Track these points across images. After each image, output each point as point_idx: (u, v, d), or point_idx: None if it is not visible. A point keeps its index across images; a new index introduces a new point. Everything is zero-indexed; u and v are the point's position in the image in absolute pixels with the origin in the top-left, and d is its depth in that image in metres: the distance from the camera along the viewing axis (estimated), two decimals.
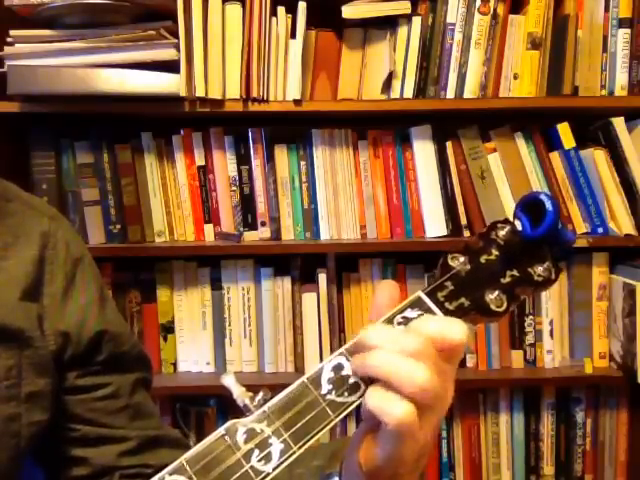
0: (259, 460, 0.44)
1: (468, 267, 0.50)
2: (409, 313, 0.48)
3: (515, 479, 1.47)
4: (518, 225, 0.51)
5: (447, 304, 0.48)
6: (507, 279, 0.50)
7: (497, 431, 1.47)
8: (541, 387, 1.46)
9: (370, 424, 0.47)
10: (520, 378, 1.43)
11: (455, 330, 0.45)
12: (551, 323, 1.42)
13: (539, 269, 0.51)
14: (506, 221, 0.52)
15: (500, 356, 1.44)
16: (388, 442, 0.45)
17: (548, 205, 0.49)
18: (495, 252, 0.51)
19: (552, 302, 1.42)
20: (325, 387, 0.46)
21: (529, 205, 0.51)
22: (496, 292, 0.49)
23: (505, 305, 0.49)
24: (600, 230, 1.37)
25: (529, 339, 1.43)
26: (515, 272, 0.50)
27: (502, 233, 0.51)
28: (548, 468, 1.47)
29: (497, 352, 1.43)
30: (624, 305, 1.38)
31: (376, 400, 0.44)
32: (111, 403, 0.65)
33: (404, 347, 0.44)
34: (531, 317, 1.43)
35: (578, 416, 1.47)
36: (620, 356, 1.40)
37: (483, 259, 0.51)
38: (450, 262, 0.50)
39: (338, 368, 0.47)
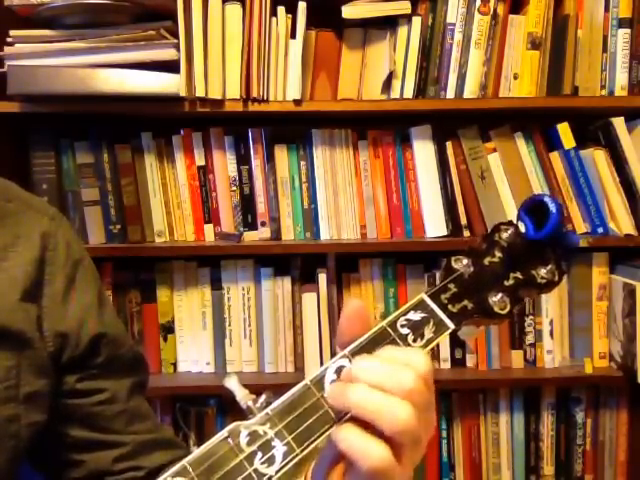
0: (262, 462, 0.44)
1: (471, 269, 0.50)
2: (412, 315, 0.48)
3: (515, 479, 1.47)
4: (522, 227, 0.52)
5: (450, 306, 0.48)
6: (510, 281, 0.50)
7: (497, 431, 1.47)
8: (541, 387, 1.46)
9: (335, 453, 0.45)
10: (520, 378, 1.43)
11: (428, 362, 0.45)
12: (551, 323, 1.42)
13: (542, 271, 0.51)
14: (510, 223, 0.52)
15: (500, 356, 1.44)
16: None
17: (552, 207, 0.49)
18: (498, 254, 0.51)
19: (552, 302, 1.42)
20: (328, 390, 0.46)
21: (533, 207, 0.51)
22: (499, 294, 0.49)
23: (508, 307, 0.49)
24: (600, 230, 1.37)
25: (529, 339, 1.43)
26: (518, 274, 0.50)
27: (505, 235, 0.52)
28: (548, 468, 1.47)
29: (497, 352, 1.43)
30: (624, 305, 1.37)
31: (349, 441, 0.43)
32: (108, 408, 0.65)
33: (401, 384, 0.43)
34: (531, 317, 1.43)
35: (578, 416, 1.47)
36: (620, 356, 1.40)
37: (486, 261, 0.51)
38: (453, 264, 0.50)
39: (341, 371, 0.46)
